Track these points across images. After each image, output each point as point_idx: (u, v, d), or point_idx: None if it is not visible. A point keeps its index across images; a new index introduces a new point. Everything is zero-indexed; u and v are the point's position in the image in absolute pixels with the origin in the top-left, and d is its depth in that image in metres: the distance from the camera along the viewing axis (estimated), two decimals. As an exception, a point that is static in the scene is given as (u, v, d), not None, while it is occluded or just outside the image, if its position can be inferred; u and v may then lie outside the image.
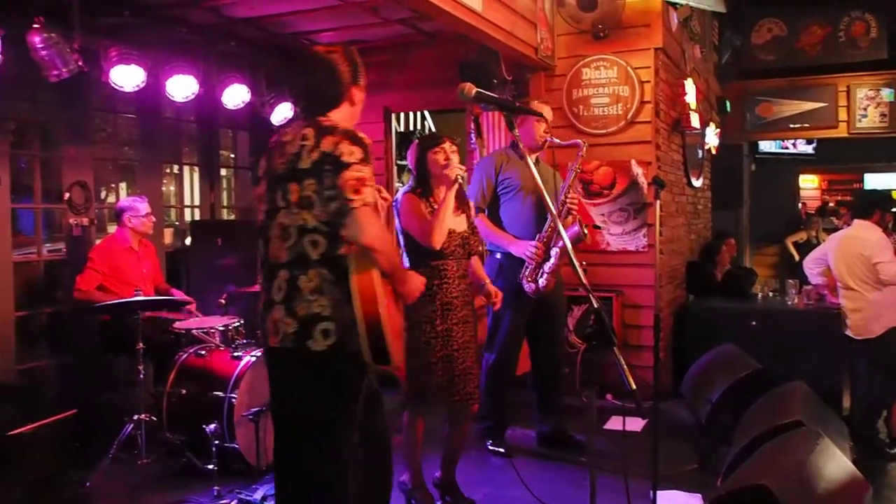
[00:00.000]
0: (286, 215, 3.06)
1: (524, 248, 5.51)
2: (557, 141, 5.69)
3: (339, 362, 2.99)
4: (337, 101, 3.25)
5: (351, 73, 3.27)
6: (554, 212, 3.17)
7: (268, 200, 3.17)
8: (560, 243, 5.43)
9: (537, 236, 5.52)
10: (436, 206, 4.47)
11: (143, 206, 6.39)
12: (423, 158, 4.57)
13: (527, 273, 5.52)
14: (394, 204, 4.55)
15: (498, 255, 5.67)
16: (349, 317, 2.94)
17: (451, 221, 4.46)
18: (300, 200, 3.01)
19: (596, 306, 2.75)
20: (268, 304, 3.16)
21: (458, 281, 4.54)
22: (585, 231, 5.41)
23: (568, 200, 5.53)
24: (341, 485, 3.12)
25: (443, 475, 4.81)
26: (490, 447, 5.83)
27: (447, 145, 4.51)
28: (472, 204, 4.92)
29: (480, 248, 5.01)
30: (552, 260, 5.46)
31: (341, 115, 3.24)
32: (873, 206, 6.33)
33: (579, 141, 5.65)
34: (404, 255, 4.53)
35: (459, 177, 4.34)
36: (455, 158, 4.49)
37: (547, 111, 5.66)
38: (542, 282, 5.48)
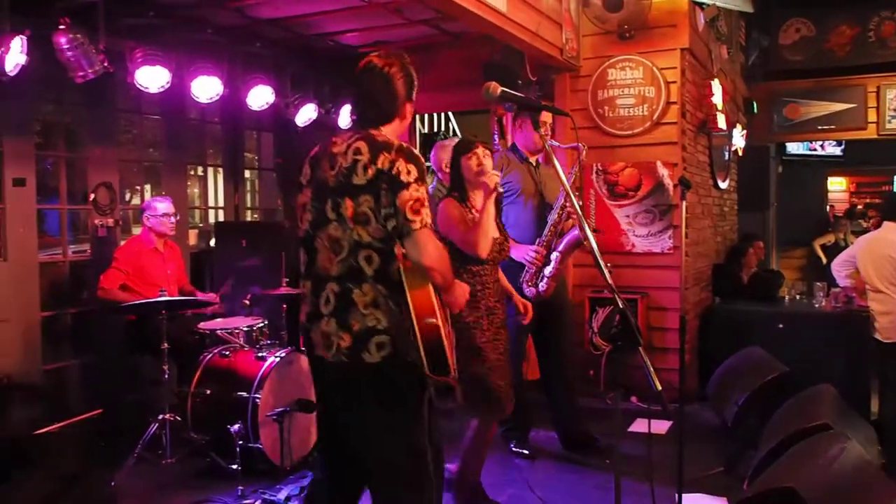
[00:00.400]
0: (338, 228, 3.05)
1: (524, 253, 5.47)
2: (556, 143, 5.67)
3: (394, 372, 3.00)
4: (391, 115, 3.24)
5: (406, 88, 3.28)
6: (553, 216, 3.16)
7: (313, 210, 3.15)
8: (560, 247, 5.40)
9: (538, 240, 5.48)
10: (474, 212, 4.42)
11: (162, 206, 6.38)
12: (457, 164, 4.53)
13: (527, 277, 5.48)
14: None
15: None
16: (404, 330, 2.96)
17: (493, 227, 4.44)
18: (355, 216, 3.00)
19: (621, 306, 2.73)
20: (314, 315, 3.16)
21: (495, 285, 4.52)
22: (588, 233, 5.34)
23: (568, 205, 5.46)
24: (428, 481, 3.17)
25: (469, 478, 4.76)
26: (514, 449, 5.82)
27: (480, 151, 4.46)
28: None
29: (537, 249, 4.99)
30: (552, 264, 5.43)
31: (392, 130, 3.23)
32: None
33: (579, 144, 5.60)
34: None
35: (497, 184, 4.30)
36: (489, 164, 4.43)
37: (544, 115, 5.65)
38: (542, 286, 5.43)
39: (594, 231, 6.92)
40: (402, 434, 3.11)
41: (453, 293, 3.23)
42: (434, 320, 2.88)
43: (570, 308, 6.26)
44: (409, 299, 2.90)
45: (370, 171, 2.96)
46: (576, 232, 5.35)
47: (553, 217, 5.47)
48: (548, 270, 5.43)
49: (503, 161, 5.67)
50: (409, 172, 2.94)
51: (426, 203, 2.93)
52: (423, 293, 2.92)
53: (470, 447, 4.64)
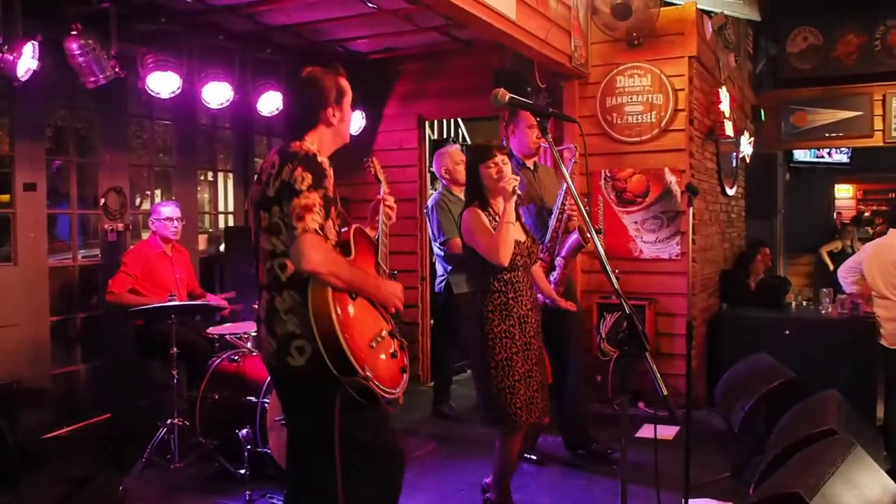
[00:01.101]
0: (264, 240, 3.17)
1: None
2: (545, 145, 5.69)
3: (318, 376, 3.01)
4: (309, 123, 3.29)
5: (325, 94, 3.31)
6: (553, 222, 3.17)
7: (253, 223, 3.28)
8: (563, 252, 5.41)
9: (540, 247, 5.44)
10: (497, 218, 4.38)
11: (167, 210, 6.41)
12: (475, 171, 4.50)
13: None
14: (424, 211, 4.52)
15: None
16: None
17: (514, 232, 4.39)
18: (269, 227, 3.11)
19: (628, 312, 2.74)
20: (257, 321, 3.37)
21: (528, 292, 4.49)
22: (588, 237, 5.35)
23: (566, 208, 5.46)
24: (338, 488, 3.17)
25: (504, 493, 4.70)
26: (524, 455, 5.84)
27: (498, 158, 4.43)
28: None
29: (541, 255, 5.00)
30: (556, 270, 5.43)
31: (320, 137, 3.28)
32: None
33: (572, 146, 5.62)
34: (439, 259, 4.50)
35: (516, 188, 4.28)
36: (507, 169, 4.39)
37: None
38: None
39: (597, 231, 6.95)
40: (318, 436, 3.15)
41: (379, 293, 3.22)
42: (331, 322, 2.88)
43: (579, 313, 6.27)
44: (308, 303, 2.93)
45: (277, 183, 3.04)
46: (576, 235, 5.36)
47: (553, 222, 5.48)
48: (553, 276, 5.43)
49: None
50: (303, 180, 2.98)
51: (313, 209, 2.93)
52: (319, 295, 2.93)
53: (497, 461, 4.60)
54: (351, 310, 3.04)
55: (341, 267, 2.97)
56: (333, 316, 2.88)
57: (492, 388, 4.36)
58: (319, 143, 3.25)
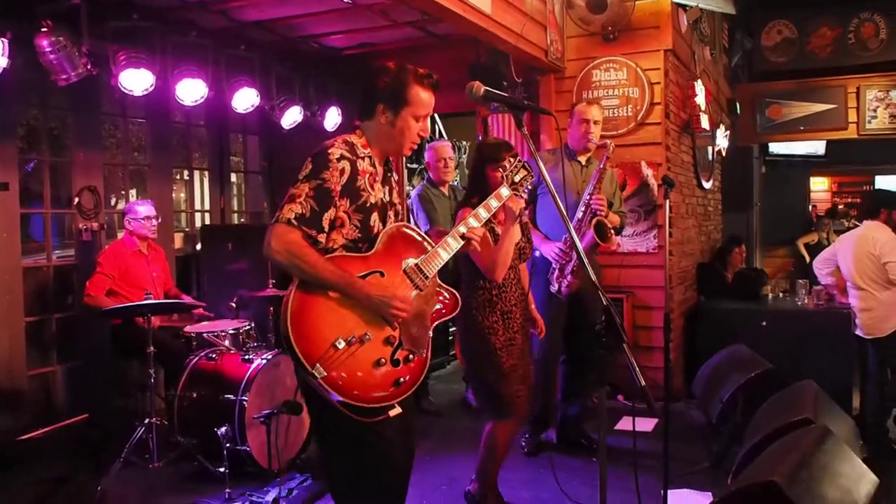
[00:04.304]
0: None
1: (550, 250, 5.52)
2: (595, 143, 5.71)
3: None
4: (365, 111, 3.23)
5: (386, 90, 3.19)
6: (565, 213, 3.12)
7: None
8: (583, 244, 5.41)
9: (563, 238, 5.49)
10: (494, 223, 4.34)
11: (143, 209, 6.37)
12: (482, 170, 4.47)
13: (554, 274, 5.51)
14: (408, 203, 4.48)
15: (537, 253, 5.59)
16: None
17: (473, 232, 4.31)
18: None
19: (605, 303, 2.75)
20: None
21: (514, 288, 4.50)
22: (606, 235, 5.37)
23: (593, 201, 5.47)
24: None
25: (487, 482, 4.69)
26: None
27: (507, 163, 4.37)
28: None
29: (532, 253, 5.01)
30: (573, 262, 5.44)
31: (370, 127, 3.21)
32: (879, 205, 6.33)
33: (607, 141, 5.64)
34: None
35: (522, 213, 4.26)
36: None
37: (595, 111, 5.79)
38: (565, 283, 5.44)
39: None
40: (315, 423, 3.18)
41: (362, 298, 2.94)
42: (285, 312, 2.84)
43: (594, 308, 6.26)
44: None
45: None
46: (591, 233, 5.35)
47: (578, 214, 5.49)
48: (570, 268, 5.44)
49: (554, 157, 5.65)
50: (304, 169, 2.98)
51: (297, 199, 2.91)
52: (288, 287, 2.94)
53: (483, 448, 4.59)
54: (322, 306, 2.90)
55: (303, 260, 2.87)
56: (289, 306, 2.83)
57: (482, 378, 4.42)
58: (371, 136, 3.20)
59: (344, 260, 2.98)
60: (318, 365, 2.80)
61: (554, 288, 5.49)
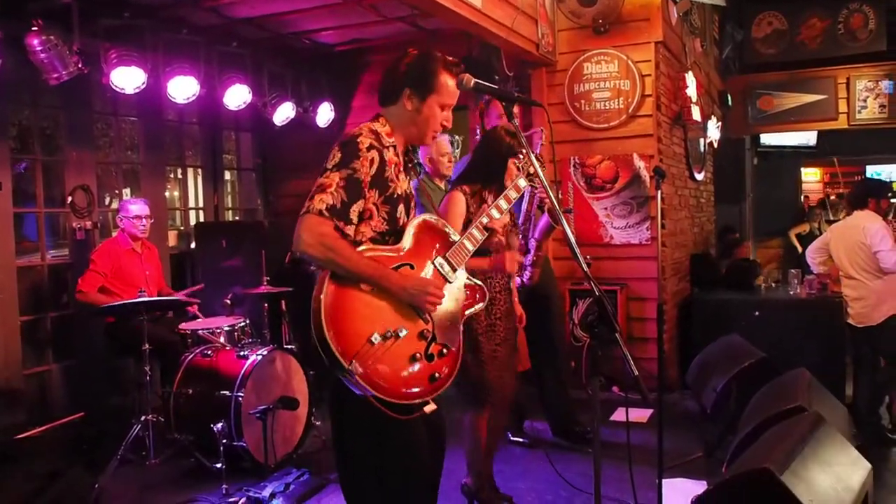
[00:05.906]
0: None
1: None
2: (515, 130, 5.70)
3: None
4: (388, 97, 3.15)
5: (407, 73, 3.13)
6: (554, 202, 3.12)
7: None
8: (536, 234, 5.41)
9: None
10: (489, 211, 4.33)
11: (135, 208, 6.35)
12: (503, 161, 4.41)
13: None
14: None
15: None
16: None
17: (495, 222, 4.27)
18: None
19: (597, 294, 2.75)
20: None
21: (496, 276, 4.47)
22: (560, 216, 5.32)
23: (538, 190, 5.44)
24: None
25: (481, 475, 4.70)
26: (511, 438, 5.95)
27: (512, 166, 4.36)
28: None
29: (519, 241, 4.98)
30: (531, 252, 5.44)
31: (394, 113, 3.13)
32: (865, 194, 6.36)
33: (539, 129, 5.66)
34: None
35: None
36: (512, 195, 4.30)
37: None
38: (525, 275, 5.42)
39: (566, 211, 6.94)
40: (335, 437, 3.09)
41: (397, 291, 2.87)
42: (318, 307, 2.72)
43: (559, 298, 6.28)
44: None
45: None
46: (546, 217, 5.35)
47: (524, 205, 5.48)
48: (528, 259, 5.43)
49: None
50: (332, 158, 2.89)
51: (327, 189, 2.80)
52: (318, 281, 2.80)
53: (466, 441, 4.59)
54: (356, 300, 2.81)
55: (338, 253, 2.77)
56: (322, 301, 2.72)
57: (463, 363, 4.39)
58: (395, 123, 3.11)
59: (374, 252, 2.90)
60: (353, 362, 2.71)
61: (516, 282, 5.48)
